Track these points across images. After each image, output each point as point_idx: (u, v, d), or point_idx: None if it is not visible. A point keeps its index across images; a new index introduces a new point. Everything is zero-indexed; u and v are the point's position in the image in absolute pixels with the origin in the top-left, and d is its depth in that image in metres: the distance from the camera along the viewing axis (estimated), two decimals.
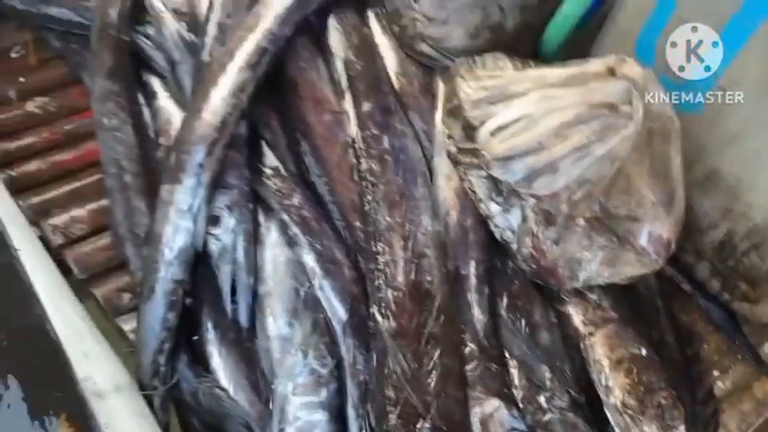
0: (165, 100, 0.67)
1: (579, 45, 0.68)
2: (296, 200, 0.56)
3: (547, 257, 0.54)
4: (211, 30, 0.64)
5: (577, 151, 0.51)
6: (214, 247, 0.54)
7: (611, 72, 0.51)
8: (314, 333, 0.50)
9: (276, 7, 0.63)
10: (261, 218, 0.57)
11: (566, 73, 0.53)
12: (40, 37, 0.74)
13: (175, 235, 0.52)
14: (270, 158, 0.59)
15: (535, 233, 0.54)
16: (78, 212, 0.62)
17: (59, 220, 0.61)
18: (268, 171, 0.58)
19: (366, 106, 0.61)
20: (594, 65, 0.52)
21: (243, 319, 0.53)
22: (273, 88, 0.63)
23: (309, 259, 0.53)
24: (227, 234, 0.55)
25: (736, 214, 0.54)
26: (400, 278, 0.52)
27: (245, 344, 0.53)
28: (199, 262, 0.54)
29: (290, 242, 0.55)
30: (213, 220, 0.55)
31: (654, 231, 0.53)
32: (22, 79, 0.71)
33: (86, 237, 0.61)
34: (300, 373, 0.49)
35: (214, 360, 0.52)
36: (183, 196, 0.53)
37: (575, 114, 0.51)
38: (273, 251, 0.55)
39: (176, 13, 0.70)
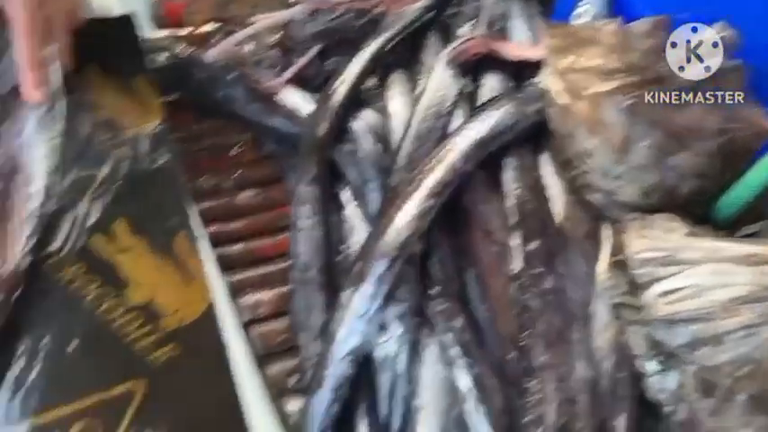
0: (351, 211, 0.76)
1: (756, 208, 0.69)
2: (458, 323, 0.61)
3: (701, 428, 0.54)
4: (402, 158, 0.73)
5: (746, 329, 0.51)
6: (378, 352, 0.60)
7: None
8: None
9: (462, 145, 0.71)
10: (423, 334, 0.62)
11: (743, 251, 0.54)
12: (257, 138, 0.88)
13: (349, 336, 0.59)
14: (438, 279, 0.65)
15: (691, 401, 0.54)
16: (266, 295, 0.71)
17: (249, 300, 0.70)
18: (435, 291, 0.64)
19: (533, 245, 0.66)
20: None
21: (395, 425, 0.57)
22: (448, 213, 0.70)
23: (465, 383, 0.57)
24: (392, 343, 0.60)
25: None
26: (550, 419, 0.54)
27: None
28: (362, 364, 0.60)
29: (448, 362, 0.59)
30: (382, 329, 0.61)
31: None
32: (237, 173, 0.84)
33: (267, 318, 0.69)
34: None
35: None
36: (362, 302, 0.60)
37: (747, 291, 0.52)
38: (432, 368, 0.59)
39: (374, 136, 0.80)
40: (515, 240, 0.67)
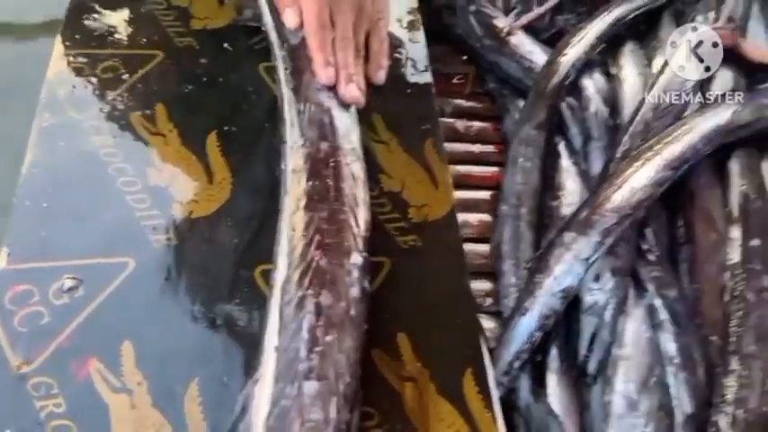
0: (566, 161, 0.78)
1: None
2: (672, 293, 0.63)
3: None
4: (638, 123, 0.74)
5: None
6: (587, 298, 0.63)
7: None
8: (660, 411, 0.56)
9: (704, 128, 0.71)
10: (631, 292, 0.65)
11: None
12: (479, 74, 0.91)
13: (567, 275, 0.62)
14: (653, 248, 0.67)
15: None
16: (471, 218, 0.75)
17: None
18: (652, 258, 0.66)
19: (755, 242, 0.66)
20: None
21: (591, 367, 0.61)
22: (669, 190, 0.71)
23: (671, 348, 0.60)
24: (602, 293, 0.63)
25: None
26: (752, 404, 0.56)
27: (582, 385, 0.61)
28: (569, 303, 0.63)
29: (655, 325, 0.62)
30: (596, 277, 0.64)
31: None
32: (456, 101, 0.88)
33: (470, 240, 0.74)
34: None
35: (551, 386, 0.61)
36: (585, 248, 0.63)
37: None
38: (638, 326, 0.62)
39: (603, 98, 0.82)
40: (735, 233, 0.68)
